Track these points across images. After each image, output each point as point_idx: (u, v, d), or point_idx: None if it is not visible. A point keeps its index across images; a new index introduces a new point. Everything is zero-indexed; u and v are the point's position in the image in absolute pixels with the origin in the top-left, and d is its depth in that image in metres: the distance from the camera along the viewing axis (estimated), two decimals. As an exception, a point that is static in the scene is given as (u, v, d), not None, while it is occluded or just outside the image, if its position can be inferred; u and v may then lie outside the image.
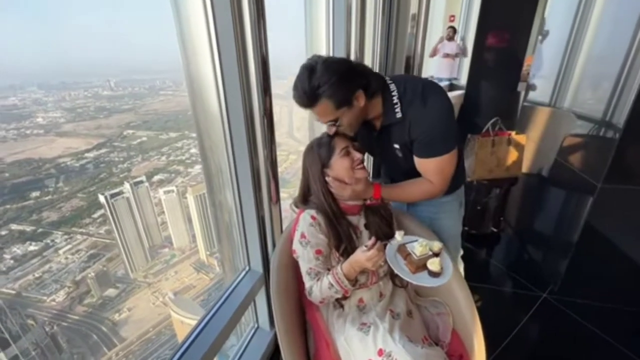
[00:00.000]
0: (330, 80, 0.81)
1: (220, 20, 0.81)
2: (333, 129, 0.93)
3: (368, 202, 1.00)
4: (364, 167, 0.97)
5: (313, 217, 0.92)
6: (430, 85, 0.92)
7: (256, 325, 1.32)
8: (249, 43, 0.85)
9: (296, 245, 0.93)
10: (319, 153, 0.95)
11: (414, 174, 1.01)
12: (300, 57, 1.67)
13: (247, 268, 1.19)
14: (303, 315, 1.01)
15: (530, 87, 2.59)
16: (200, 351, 0.89)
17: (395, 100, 0.91)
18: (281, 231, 1.16)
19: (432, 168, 0.96)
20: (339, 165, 0.94)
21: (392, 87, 0.93)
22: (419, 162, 0.97)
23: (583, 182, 1.71)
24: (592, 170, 1.67)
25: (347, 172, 0.94)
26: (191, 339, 0.91)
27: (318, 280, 0.88)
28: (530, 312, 1.75)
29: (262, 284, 1.19)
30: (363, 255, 0.81)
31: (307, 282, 0.89)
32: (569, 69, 2.04)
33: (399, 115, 0.91)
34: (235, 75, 0.87)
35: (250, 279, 1.17)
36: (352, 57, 1.65)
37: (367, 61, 1.88)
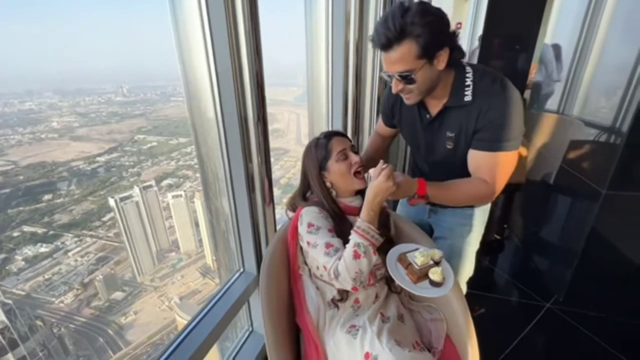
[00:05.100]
0: (423, 20, 0.74)
1: (215, 28, 0.84)
2: (400, 86, 0.85)
3: (411, 200, 0.89)
4: (363, 177, 0.94)
5: (319, 210, 0.91)
6: (507, 79, 0.86)
7: (250, 329, 1.31)
8: (243, 51, 0.87)
9: (307, 237, 0.87)
10: (316, 154, 0.94)
11: (459, 172, 0.93)
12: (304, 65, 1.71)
13: (241, 269, 1.19)
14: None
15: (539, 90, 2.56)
16: (188, 352, 0.88)
17: (468, 82, 0.86)
18: (275, 232, 1.16)
19: (491, 164, 0.87)
20: (335, 169, 0.93)
21: (468, 69, 0.87)
22: (478, 157, 0.88)
23: (588, 188, 1.67)
24: (596, 177, 1.63)
25: (344, 177, 0.93)
26: (180, 339, 0.91)
27: (340, 258, 0.79)
28: (533, 322, 1.71)
29: (256, 286, 1.19)
30: (374, 183, 0.79)
31: (330, 264, 0.79)
32: (577, 77, 2.01)
33: (468, 98, 0.85)
34: (230, 81, 0.89)
35: (244, 280, 1.16)
36: (351, 64, 1.67)
37: (368, 67, 1.89)
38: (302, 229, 0.90)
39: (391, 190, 0.80)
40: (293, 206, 1.02)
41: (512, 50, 2.57)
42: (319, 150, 0.94)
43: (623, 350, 1.54)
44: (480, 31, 2.79)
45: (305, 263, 0.97)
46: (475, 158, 0.89)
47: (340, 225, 0.91)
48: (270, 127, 1.05)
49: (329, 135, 0.96)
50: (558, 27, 2.41)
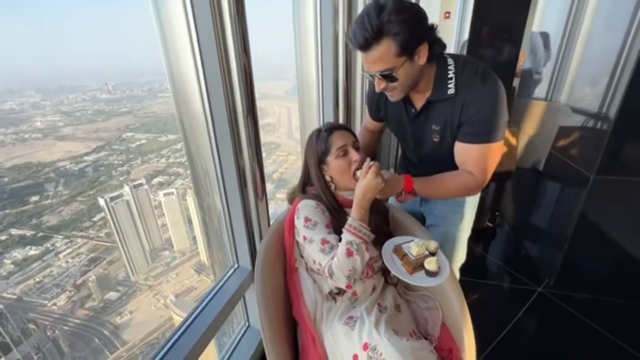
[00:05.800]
0: (400, 17, 0.73)
1: (200, 20, 0.81)
2: (383, 85, 0.85)
3: (399, 197, 0.92)
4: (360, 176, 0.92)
5: (317, 204, 0.90)
6: (489, 69, 0.85)
7: (247, 324, 1.31)
8: (229, 44, 0.84)
9: (303, 231, 0.87)
10: (316, 148, 0.93)
11: (447, 164, 0.93)
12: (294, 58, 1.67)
13: (235, 265, 1.18)
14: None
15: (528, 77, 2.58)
16: (184, 349, 0.88)
17: (451, 75, 0.85)
18: (268, 226, 1.15)
19: (477, 156, 0.87)
20: (335, 165, 0.91)
21: (450, 61, 0.86)
22: (463, 149, 0.89)
23: (577, 174, 1.70)
24: (585, 162, 1.66)
25: (343, 175, 0.92)
26: (176, 337, 0.90)
27: (334, 257, 0.79)
28: (525, 306, 1.75)
29: (251, 281, 1.18)
30: (363, 181, 0.80)
31: (325, 263, 0.80)
32: (565, 64, 2.03)
33: (451, 91, 0.85)
34: (217, 76, 0.86)
35: (239, 276, 1.16)
36: (341, 55, 1.64)
37: (358, 58, 1.87)
38: (299, 223, 0.89)
39: (380, 187, 0.81)
40: (292, 199, 1.01)
41: (501, 39, 2.58)
42: (319, 144, 0.93)
43: (612, 330, 1.58)
44: (469, 20, 2.79)
45: (302, 256, 0.97)
46: (462, 150, 0.90)
47: (338, 219, 0.91)
48: (261, 122, 1.03)
49: (331, 129, 0.94)
50: (546, 16, 2.43)
